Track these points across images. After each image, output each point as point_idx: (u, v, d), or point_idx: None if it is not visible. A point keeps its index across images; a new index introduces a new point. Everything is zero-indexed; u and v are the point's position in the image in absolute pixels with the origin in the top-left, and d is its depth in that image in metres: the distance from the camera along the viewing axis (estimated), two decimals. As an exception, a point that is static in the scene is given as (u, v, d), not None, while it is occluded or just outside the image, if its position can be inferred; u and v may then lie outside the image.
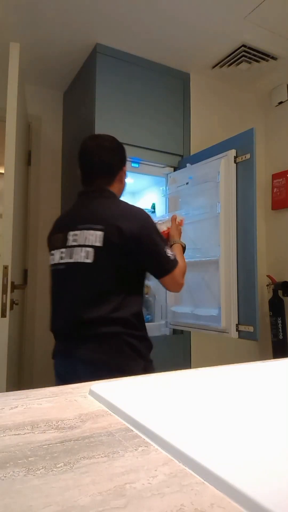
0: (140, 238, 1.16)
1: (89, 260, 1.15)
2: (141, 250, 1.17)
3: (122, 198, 1.35)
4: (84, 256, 1.16)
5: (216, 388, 0.61)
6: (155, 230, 1.21)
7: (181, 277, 1.25)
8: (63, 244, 1.22)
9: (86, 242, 1.16)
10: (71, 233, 1.21)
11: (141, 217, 1.20)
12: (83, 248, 1.16)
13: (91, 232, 1.16)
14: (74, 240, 1.19)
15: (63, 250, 1.21)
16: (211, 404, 0.53)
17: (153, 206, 2.49)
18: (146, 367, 1.18)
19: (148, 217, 1.22)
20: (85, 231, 1.17)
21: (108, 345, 1.14)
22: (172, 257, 1.22)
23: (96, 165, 1.29)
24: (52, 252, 1.27)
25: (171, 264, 1.21)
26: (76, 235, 1.19)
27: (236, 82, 2.67)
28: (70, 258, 1.19)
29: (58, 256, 1.23)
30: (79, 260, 1.16)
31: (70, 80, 2.63)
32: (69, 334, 1.19)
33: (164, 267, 1.21)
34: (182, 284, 1.26)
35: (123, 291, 1.17)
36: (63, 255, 1.21)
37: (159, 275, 1.22)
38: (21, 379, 2.48)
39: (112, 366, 1.12)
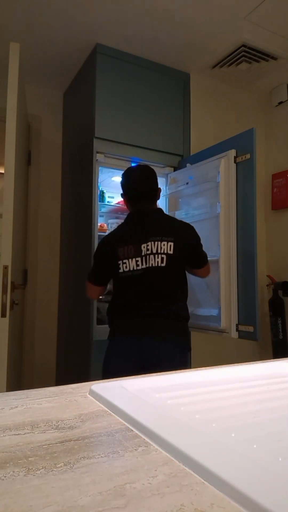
0: (196, 245, 1.66)
1: (163, 264, 1.53)
2: (195, 251, 1.66)
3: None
4: (159, 261, 1.54)
5: (216, 388, 0.61)
6: (199, 238, 1.68)
7: (209, 266, 1.79)
8: (136, 254, 1.56)
9: (159, 251, 1.54)
10: (144, 245, 1.56)
11: (193, 230, 1.67)
12: (158, 255, 1.54)
13: (164, 242, 1.55)
14: (148, 250, 1.55)
15: (138, 259, 1.56)
16: (211, 404, 0.53)
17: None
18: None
19: (195, 229, 1.68)
20: (158, 242, 1.55)
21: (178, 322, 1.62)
22: (206, 254, 1.73)
23: (147, 193, 1.67)
24: (125, 261, 1.57)
25: (207, 258, 1.75)
26: (148, 245, 1.55)
27: (236, 82, 2.67)
28: (147, 264, 1.54)
29: (133, 264, 1.56)
30: (154, 265, 1.54)
31: (70, 80, 2.63)
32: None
33: (205, 259, 1.74)
34: (210, 271, 1.80)
35: (182, 285, 1.63)
36: (139, 262, 1.55)
37: (202, 265, 1.73)
38: (21, 379, 2.48)
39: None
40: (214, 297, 1.91)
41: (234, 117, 2.69)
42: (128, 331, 1.57)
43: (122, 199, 2.43)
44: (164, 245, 1.55)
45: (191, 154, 2.41)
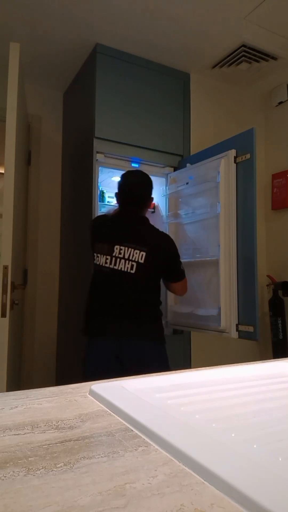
0: (169, 258, 1.69)
1: (132, 271, 1.60)
2: (168, 265, 1.70)
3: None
4: (129, 267, 1.60)
5: (216, 388, 0.61)
6: (177, 252, 1.73)
7: (186, 284, 1.82)
8: (108, 252, 1.63)
9: (131, 258, 1.61)
10: (117, 246, 1.62)
11: (170, 242, 1.71)
12: (128, 261, 1.60)
13: (136, 251, 1.60)
14: (120, 253, 1.62)
15: (108, 257, 1.63)
16: (211, 404, 0.53)
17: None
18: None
19: (173, 242, 1.72)
20: (131, 249, 1.61)
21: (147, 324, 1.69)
22: (183, 270, 1.77)
23: (137, 198, 1.72)
24: (98, 255, 1.66)
25: (183, 274, 1.78)
26: (121, 249, 1.61)
27: (236, 82, 2.67)
28: (115, 265, 1.61)
29: (103, 260, 1.64)
30: (123, 270, 1.60)
31: (70, 80, 2.64)
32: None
33: (181, 275, 1.76)
34: (186, 289, 1.84)
35: (151, 292, 1.67)
36: (108, 261, 1.63)
37: (176, 279, 1.76)
38: (21, 379, 2.48)
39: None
40: (214, 297, 1.91)
41: (234, 117, 2.69)
42: (104, 331, 1.63)
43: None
44: (136, 253, 1.61)
45: (191, 154, 2.41)
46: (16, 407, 0.52)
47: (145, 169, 2.32)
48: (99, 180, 2.26)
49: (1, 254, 1.59)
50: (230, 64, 2.44)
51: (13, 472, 0.34)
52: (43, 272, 2.65)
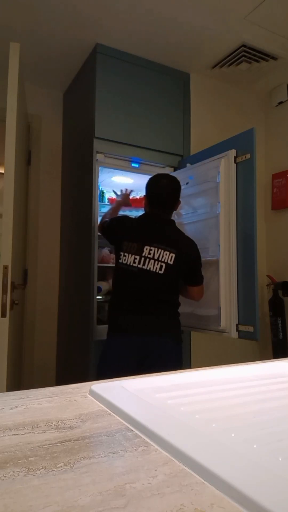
0: (195, 261, 1.76)
1: (161, 272, 1.65)
2: (192, 269, 1.75)
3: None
4: (157, 268, 1.65)
5: (216, 388, 0.61)
6: (200, 256, 1.79)
7: (203, 289, 1.84)
8: (137, 252, 1.67)
9: (160, 258, 1.66)
10: (147, 247, 1.67)
11: (195, 246, 1.77)
12: (158, 262, 1.65)
13: (166, 252, 1.66)
14: (149, 254, 1.66)
15: (137, 257, 1.67)
16: (211, 404, 0.53)
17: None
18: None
19: (197, 246, 1.78)
20: (161, 250, 1.66)
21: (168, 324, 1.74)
22: (202, 275, 1.81)
23: (168, 201, 1.78)
24: (125, 254, 1.69)
25: (202, 279, 1.82)
26: (151, 250, 1.66)
27: (236, 82, 2.67)
28: (143, 265, 1.66)
29: (132, 259, 1.67)
30: (152, 270, 1.65)
31: (70, 80, 2.63)
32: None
33: (202, 279, 1.81)
34: (203, 295, 1.85)
35: (175, 292, 1.74)
36: (136, 261, 1.67)
37: (198, 283, 1.80)
38: (21, 379, 2.48)
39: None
40: (214, 297, 1.91)
41: (234, 117, 2.69)
42: (126, 327, 1.67)
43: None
44: (166, 254, 1.65)
45: (191, 154, 2.41)
46: (16, 407, 0.52)
47: (145, 169, 2.32)
48: (99, 180, 2.26)
49: (1, 254, 1.59)
50: (230, 64, 2.44)
51: (13, 472, 0.34)
52: (43, 272, 2.65)
